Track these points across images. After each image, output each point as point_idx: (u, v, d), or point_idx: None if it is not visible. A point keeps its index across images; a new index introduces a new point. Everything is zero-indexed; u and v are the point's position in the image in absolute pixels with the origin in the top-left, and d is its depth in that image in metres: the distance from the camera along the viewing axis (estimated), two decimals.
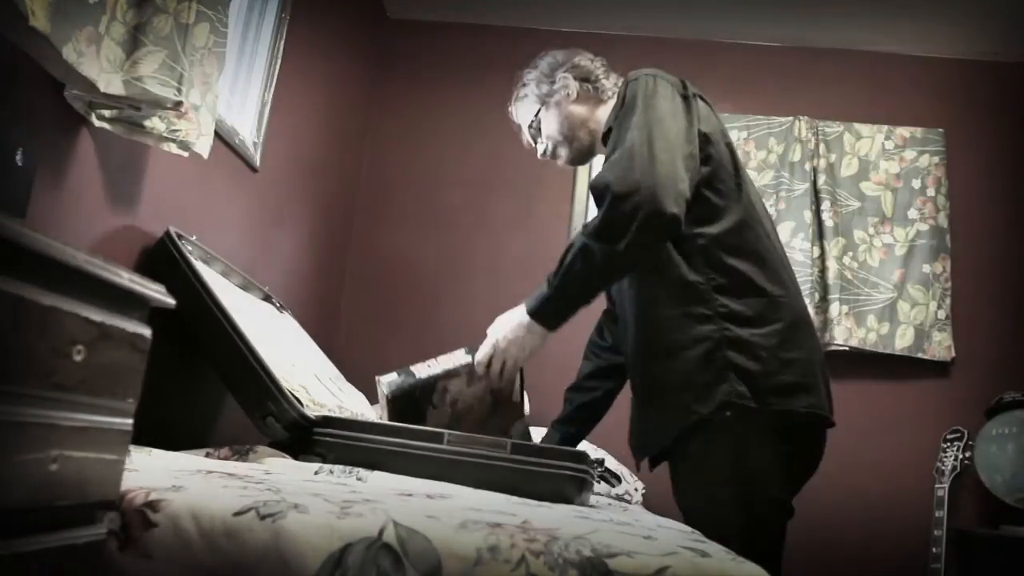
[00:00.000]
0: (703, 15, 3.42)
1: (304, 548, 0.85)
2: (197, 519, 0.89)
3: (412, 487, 1.37)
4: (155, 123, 1.64)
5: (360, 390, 2.36)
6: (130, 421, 0.89)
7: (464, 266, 3.45)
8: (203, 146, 1.75)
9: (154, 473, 1.06)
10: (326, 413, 1.69)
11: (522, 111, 1.98)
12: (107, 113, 1.61)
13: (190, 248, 1.87)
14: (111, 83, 1.46)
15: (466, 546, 0.85)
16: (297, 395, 1.66)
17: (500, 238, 3.47)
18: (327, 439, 1.54)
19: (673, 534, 1.16)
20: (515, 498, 1.35)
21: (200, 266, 1.85)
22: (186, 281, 1.75)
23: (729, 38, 3.57)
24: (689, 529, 1.41)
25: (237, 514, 0.89)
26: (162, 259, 1.79)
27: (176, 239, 1.83)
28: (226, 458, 1.52)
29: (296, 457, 1.54)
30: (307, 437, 1.56)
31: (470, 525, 0.89)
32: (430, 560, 0.83)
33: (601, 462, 1.67)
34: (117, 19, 1.48)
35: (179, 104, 1.55)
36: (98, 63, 1.43)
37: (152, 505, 0.90)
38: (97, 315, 0.83)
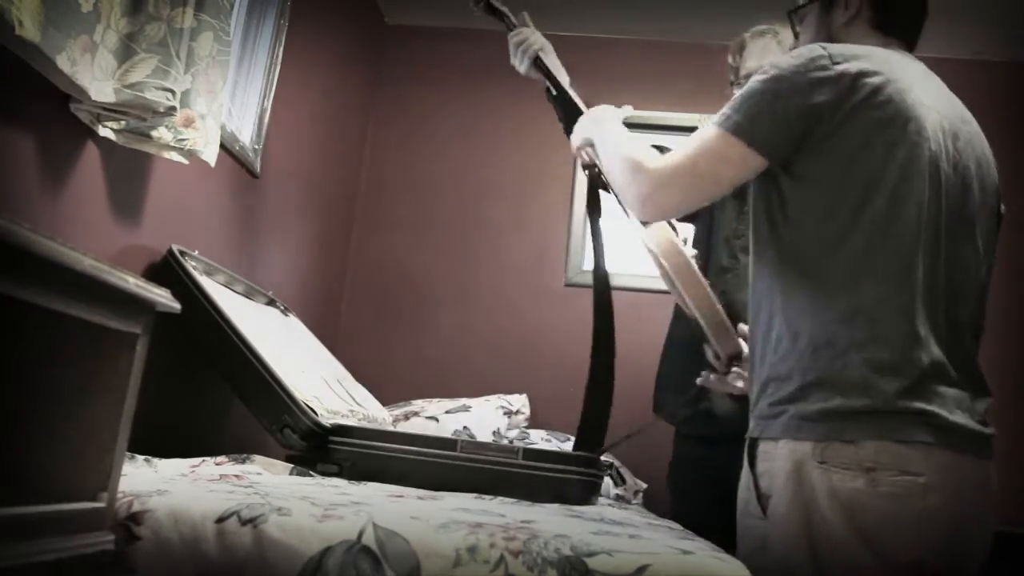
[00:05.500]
0: (700, 17, 3.42)
1: (285, 552, 0.86)
2: (179, 527, 0.90)
3: (407, 488, 1.38)
4: (162, 132, 1.66)
5: None
6: (129, 425, 0.90)
7: (464, 269, 3.45)
8: (210, 154, 1.75)
9: (142, 477, 1.07)
10: (340, 421, 1.71)
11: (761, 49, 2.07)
12: (113, 124, 1.63)
13: (193, 264, 1.89)
14: (102, 91, 1.47)
15: (445, 547, 0.85)
16: (311, 405, 1.68)
17: (499, 241, 3.48)
18: (342, 448, 1.56)
19: (661, 533, 1.17)
20: (506, 499, 1.36)
21: (204, 280, 1.86)
22: (195, 300, 1.77)
23: (727, 39, 3.56)
24: (680, 528, 1.41)
25: (219, 520, 0.90)
26: (168, 278, 1.80)
27: (179, 256, 1.84)
28: (221, 464, 1.53)
29: (314, 467, 1.56)
30: (323, 446, 1.59)
31: (451, 526, 0.90)
32: (409, 561, 0.84)
33: (610, 465, 1.70)
34: (111, 27, 1.49)
35: (172, 109, 1.56)
36: (91, 72, 1.44)
37: (135, 518, 0.91)
38: (103, 319, 0.84)
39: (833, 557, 1.19)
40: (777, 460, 1.24)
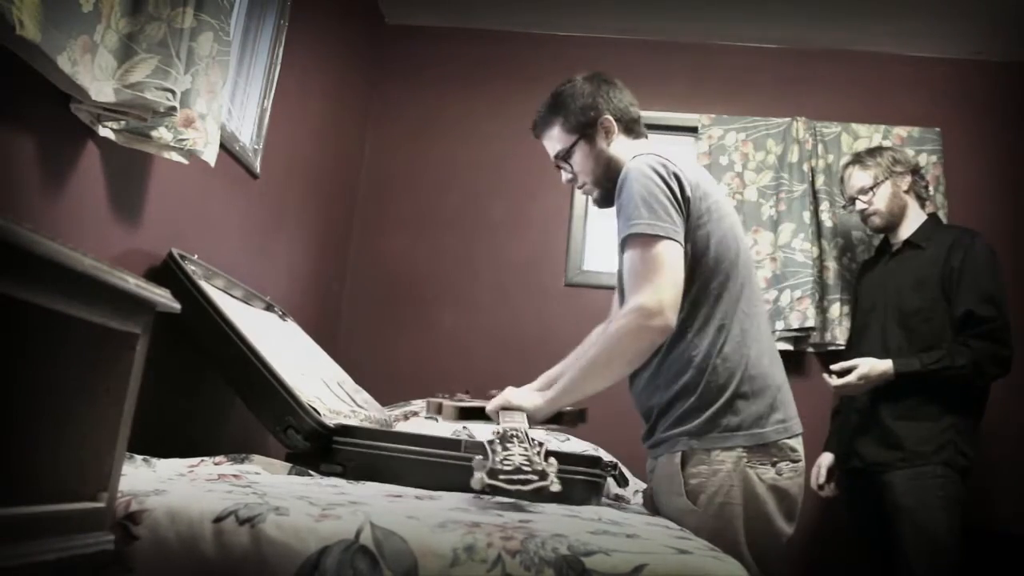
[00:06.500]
0: (700, 17, 3.43)
1: (282, 551, 0.86)
2: (177, 527, 0.90)
3: (407, 488, 1.39)
4: (162, 132, 1.66)
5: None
6: (129, 425, 0.91)
7: (464, 268, 3.46)
8: (210, 154, 1.75)
9: (140, 477, 1.07)
10: (343, 421, 1.71)
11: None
12: (113, 124, 1.63)
13: (193, 268, 1.89)
14: (102, 91, 1.48)
15: (442, 546, 0.85)
16: (314, 405, 1.68)
17: (500, 240, 3.48)
18: (346, 448, 1.56)
19: (659, 533, 1.17)
20: (505, 499, 1.36)
21: (204, 285, 1.86)
22: (195, 303, 1.77)
23: (726, 40, 3.58)
24: (678, 528, 1.41)
25: (217, 519, 0.90)
26: (168, 281, 1.80)
27: (179, 260, 1.84)
28: (220, 463, 1.54)
29: (317, 468, 1.56)
30: (327, 446, 1.58)
31: (449, 525, 0.90)
32: (406, 561, 0.84)
33: (615, 465, 1.71)
34: (111, 27, 1.49)
35: (172, 109, 1.56)
36: (91, 72, 1.44)
37: (133, 517, 0.91)
38: (103, 319, 0.84)
39: (756, 529, 1.65)
40: (713, 464, 1.65)
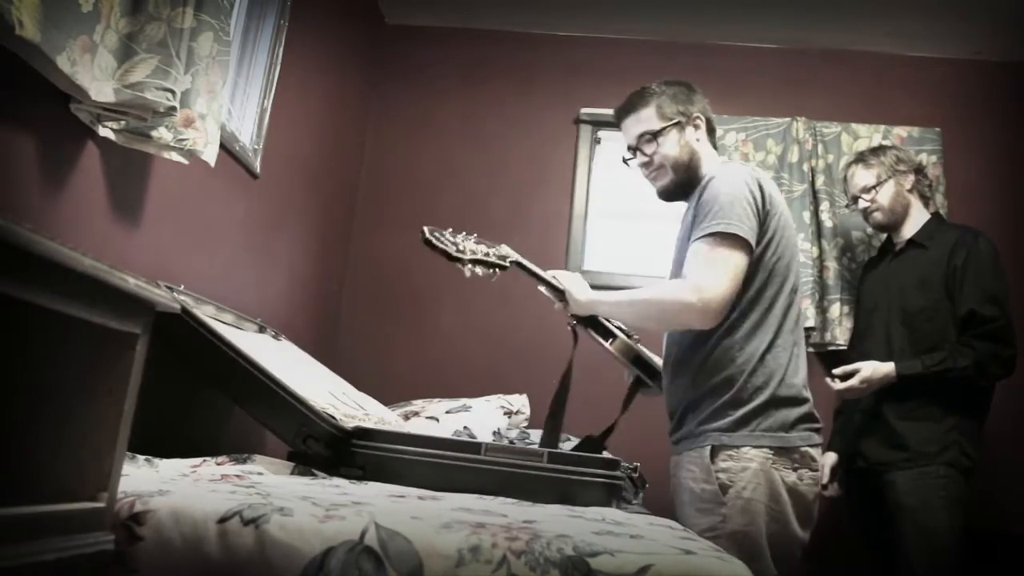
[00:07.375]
0: (700, 18, 3.43)
1: (287, 552, 0.85)
2: (181, 528, 0.89)
3: (409, 488, 1.38)
4: (162, 132, 1.66)
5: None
6: (129, 425, 0.90)
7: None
8: (210, 154, 1.75)
9: (143, 477, 1.07)
10: (359, 424, 1.70)
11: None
12: (113, 124, 1.63)
13: (183, 299, 1.85)
14: (102, 91, 1.47)
15: (448, 547, 0.85)
16: (329, 412, 1.67)
17: (499, 240, 3.45)
18: (364, 451, 1.55)
19: (663, 533, 1.17)
20: (508, 499, 1.36)
21: (204, 318, 1.83)
22: (191, 330, 1.74)
23: (726, 40, 3.58)
24: (681, 528, 1.41)
25: (221, 520, 0.90)
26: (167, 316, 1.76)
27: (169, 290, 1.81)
28: (222, 464, 1.53)
29: (337, 472, 1.55)
30: (345, 450, 1.57)
31: (454, 526, 0.90)
32: (411, 562, 0.83)
33: (635, 468, 1.71)
34: (111, 27, 1.49)
35: (172, 109, 1.56)
36: (91, 72, 1.44)
37: (137, 518, 0.91)
38: (103, 319, 0.84)
39: (775, 530, 1.70)
40: (741, 460, 1.72)
